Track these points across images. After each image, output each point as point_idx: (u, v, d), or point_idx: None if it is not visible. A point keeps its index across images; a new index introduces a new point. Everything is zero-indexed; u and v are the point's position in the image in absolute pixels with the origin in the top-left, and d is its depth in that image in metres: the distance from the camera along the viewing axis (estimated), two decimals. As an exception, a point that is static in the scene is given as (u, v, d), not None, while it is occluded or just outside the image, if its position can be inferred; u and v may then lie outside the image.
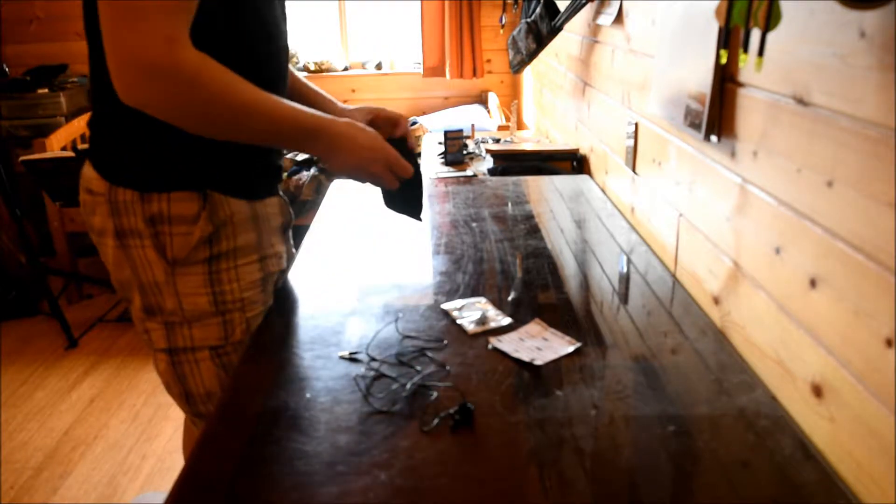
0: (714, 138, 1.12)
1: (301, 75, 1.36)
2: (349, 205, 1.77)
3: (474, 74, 4.19)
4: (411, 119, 3.95)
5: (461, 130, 2.54)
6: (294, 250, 1.37)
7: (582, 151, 2.24)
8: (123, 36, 0.81)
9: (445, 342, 1.05)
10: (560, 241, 1.49)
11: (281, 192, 1.21)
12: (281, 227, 1.19)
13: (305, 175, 3.33)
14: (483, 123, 3.63)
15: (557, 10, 2.20)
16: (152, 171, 1.00)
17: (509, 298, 1.20)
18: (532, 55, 2.39)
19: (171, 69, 0.82)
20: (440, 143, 2.65)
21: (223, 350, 1.06)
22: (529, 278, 1.29)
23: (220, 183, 1.03)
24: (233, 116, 0.91)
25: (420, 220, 1.19)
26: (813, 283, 0.84)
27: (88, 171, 1.05)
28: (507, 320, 1.11)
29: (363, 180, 1.08)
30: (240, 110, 0.91)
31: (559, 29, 2.22)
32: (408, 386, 0.92)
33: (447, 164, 2.48)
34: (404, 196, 1.14)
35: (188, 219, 1.01)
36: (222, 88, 0.88)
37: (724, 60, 1.06)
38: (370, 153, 1.04)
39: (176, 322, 1.04)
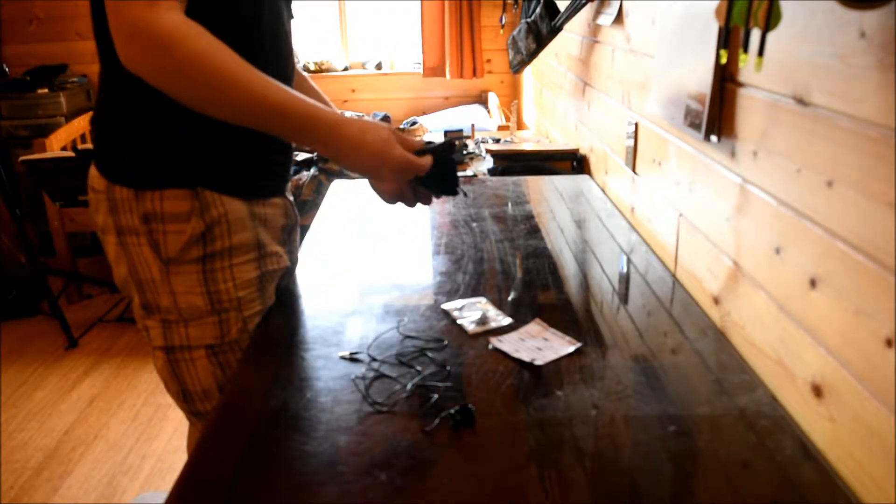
0: (714, 138, 1.12)
1: (308, 76, 1.35)
2: (349, 205, 1.77)
3: (474, 74, 4.19)
4: (411, 119, 3.95)
5: (461, 130, 2.55)
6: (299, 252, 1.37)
7: (582, 151, 2.24)
8: (114, 1, 0.85)
9: (446, 342, 1.04)
10: (560, 241, 1.49)
11: (287, 194, 1.21)
12: (283, 229, 1.19)
13: (305, 175, 3.32)
14: (483, 123, 3.63)
15: (557, 10, 2.20)
16: (147, 168, 1.00)
17: (509, 298, 1.20)
18: (532, 55, 2.39)
19: (146, 29, 0.85)
20: (440, 143, 2.65)
21: (219, 349, 1.06)
22: (529, 278, 1.29)
23: (215, 181, 1.02)
24: (207, 83, 0.89)
25: (457, 193, 1.06)
26: (813, 283, 0.84)
27: (92, 169, 1.07)
28: (507, 320, 1.11)
29: (377, 189, 1.04)
30: (215, 78, 0.88)
31: (559, 29, 2.22)
32: (408, 386, 0.92)
33: (447, 164, 2.48)
34: (435, 177, 1.03)
35: (181, 217, 1.01)
36: (198, 53, 0.87)
37: (724, 60, 1.06)
38: (377, 159, 0.98)
39: (172, 321, 1.04)
